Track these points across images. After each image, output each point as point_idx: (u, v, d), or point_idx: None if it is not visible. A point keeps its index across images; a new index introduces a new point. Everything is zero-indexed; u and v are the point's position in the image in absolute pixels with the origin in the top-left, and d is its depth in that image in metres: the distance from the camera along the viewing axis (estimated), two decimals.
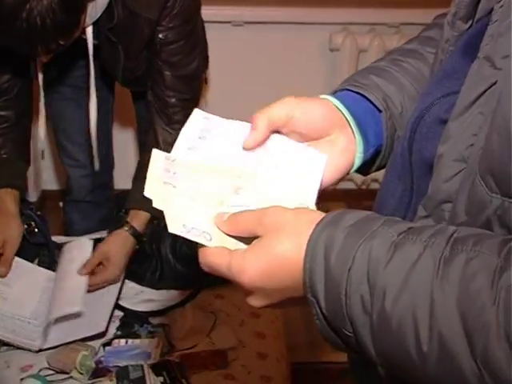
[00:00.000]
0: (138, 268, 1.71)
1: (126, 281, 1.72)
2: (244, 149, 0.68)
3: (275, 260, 0.58)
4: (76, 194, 2.01)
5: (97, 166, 1.76)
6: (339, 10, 2.58)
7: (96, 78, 1.67)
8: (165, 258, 1.68)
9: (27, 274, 1.62)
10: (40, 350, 1.45)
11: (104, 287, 1.61)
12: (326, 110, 0.71)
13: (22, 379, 1.36)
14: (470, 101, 0.57)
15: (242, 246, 0.62)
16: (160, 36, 1.58)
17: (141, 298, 1.66)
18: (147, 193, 0.64)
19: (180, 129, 0.70)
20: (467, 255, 0.49)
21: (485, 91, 0.56)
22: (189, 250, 1.65)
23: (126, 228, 1.64)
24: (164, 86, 1.66)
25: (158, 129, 1.68)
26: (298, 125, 0.69)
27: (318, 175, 0.68)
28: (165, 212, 0.63)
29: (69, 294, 1.50)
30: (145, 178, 1.44)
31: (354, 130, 0.72)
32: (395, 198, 0.68)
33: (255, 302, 0.62)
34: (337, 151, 0.71)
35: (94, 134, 1.72)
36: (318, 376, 2.19)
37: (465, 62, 0.61)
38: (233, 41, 2.57)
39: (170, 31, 1.58)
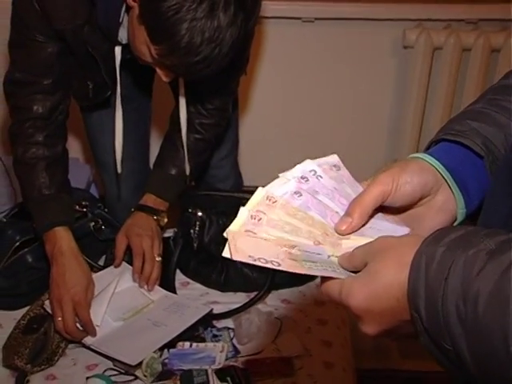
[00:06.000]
0: (204, 269, 1.69)
1: (191, 281, 1.72)
2: (336, 231, 0.69)
3: (379, 283, 0.61)
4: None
5: (119, 168, 1.71)
6: (414, 6, 2.47)
7: (134, 88, 1.68)
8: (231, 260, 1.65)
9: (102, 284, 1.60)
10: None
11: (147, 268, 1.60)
12: (420, 178, 0.70)
13: (87, 378, 1.37)
14: None
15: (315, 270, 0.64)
16: None
17: (206, 299, 1.65)
18: (226, 233, 0.65)
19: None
20: None
21: None
22: None
23: (142, 210, 1.67)
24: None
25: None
26: (394, 201, 0.70)
27: None
28: (231, 247, 0.63)
29: (135, 346, 1.45)
30: (164, 164, 1.69)
31: (451, 187, 0.71)
32: (502, 215, 0.66)
33: (367, 328, 0.64)
34: (432, 212, 0.72)
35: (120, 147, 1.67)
36: (384, 383, 2.13)
37: None
38: (303, 37, 2.52)
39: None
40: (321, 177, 0.71)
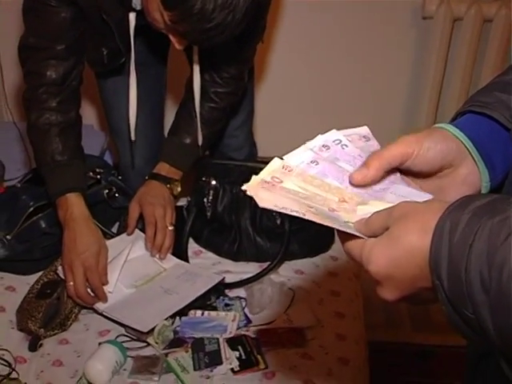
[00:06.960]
0: (216, 238, 1.69)
1: (203, 250, 1.72)
2: (350, 181, 0.67)
3: (401, 248, 0.59)
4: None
5: (133, 136, 1.72)
6: None
7: (149, 54, 1.66)
8: (244, 229, 1.65)
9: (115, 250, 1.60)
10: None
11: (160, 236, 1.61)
12: (444, 146, 0.68)
13: (100, 343, 1.38)
14: None
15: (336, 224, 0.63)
16: None
17: (218, 268, 1.65)
18: (245, 186, 0.64)
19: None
20: None
21: None
22: (270, 222, 1.62)
23: (156, 178, 1.68)
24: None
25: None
26: (414, 164, 0.68)
27: None
28: (254, 196, 0.62)
29: (147, 313, 1.46)
30: (178, 132, 1.72)
31: (476, 160, 0.69)
32: None
33: (386, 293, 0.63)
34: (455, 185, 0.70)
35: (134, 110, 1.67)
36: (395, 356, 2.14)
37: None
38: (322, 7, 2.47)
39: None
40: (346, 146, 0.70)
